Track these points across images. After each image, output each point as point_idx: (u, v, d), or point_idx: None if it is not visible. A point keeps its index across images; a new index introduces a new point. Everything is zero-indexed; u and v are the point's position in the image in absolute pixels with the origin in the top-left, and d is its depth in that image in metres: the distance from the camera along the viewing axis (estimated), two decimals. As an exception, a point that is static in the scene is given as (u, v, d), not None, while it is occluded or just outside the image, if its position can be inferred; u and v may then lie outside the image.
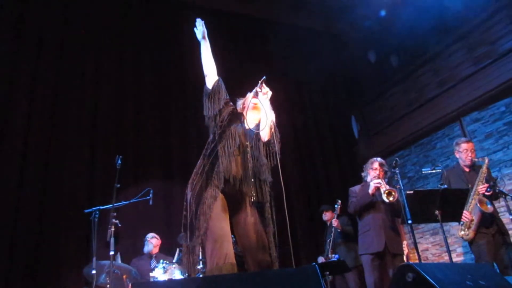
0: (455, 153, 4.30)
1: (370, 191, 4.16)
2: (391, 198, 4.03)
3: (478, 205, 3.83)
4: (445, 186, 4.03)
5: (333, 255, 5.43)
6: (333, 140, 8.04)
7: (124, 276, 4.24)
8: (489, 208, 3.81)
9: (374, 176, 4.27)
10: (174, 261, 4.60)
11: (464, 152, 4.16)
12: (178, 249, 4.71)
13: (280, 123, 2.75)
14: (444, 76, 6.65)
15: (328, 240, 5.59)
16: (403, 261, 4.35)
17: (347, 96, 8.54)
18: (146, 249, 5.12)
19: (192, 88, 6.25)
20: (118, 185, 3.69)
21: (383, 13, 6.92)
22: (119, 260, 4.58)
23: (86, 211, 4.11)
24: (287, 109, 7.66)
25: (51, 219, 5.19)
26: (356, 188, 4.48)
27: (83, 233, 5.05)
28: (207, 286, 2.00)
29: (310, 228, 6.91)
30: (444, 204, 3.60)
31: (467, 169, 4.17)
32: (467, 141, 4.26)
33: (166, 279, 4.27)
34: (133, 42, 6.71)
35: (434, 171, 4.55)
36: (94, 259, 3.81)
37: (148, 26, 6.88)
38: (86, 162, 5.70)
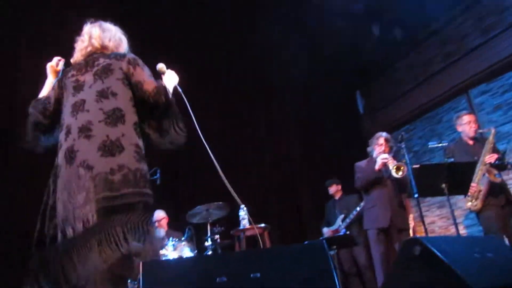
0: (457, 127, 4.27)
1: (377, 167, 4.12)
2: (400, 173, 3.96)
3: (487, 175, 3.81)
4: (452, 159, 4.01)
5: (347, 232, 5.40)
6: (338, 116, 8.00)
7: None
8: (498, 178, 3.80)
9: (379, 152, 4.24)
10: (183, 238, 4.66)
11: (467, 124, 4.13)
12: (187, 227, 4.75)
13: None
14: (451, 48, 6.52)
15: (341, 216, 5.56)
16: (409, 235, 4.38)
17: (352, 71, 8.43)
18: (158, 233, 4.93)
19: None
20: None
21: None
22: None
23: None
24: (292, 85, 7.60)
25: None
26: (362, 163, 4.45)
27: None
28: (217, 263, 2.03)
29: (317, 203, 6.95)
30: (451, 178, 3.60)
31: (471, 142, 4.14)
32: (469, 113, 4.25)
33: (176, 256, 4.35)
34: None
35: (440, 145, 4.51)
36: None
37: (128, 19, 6.72)
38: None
